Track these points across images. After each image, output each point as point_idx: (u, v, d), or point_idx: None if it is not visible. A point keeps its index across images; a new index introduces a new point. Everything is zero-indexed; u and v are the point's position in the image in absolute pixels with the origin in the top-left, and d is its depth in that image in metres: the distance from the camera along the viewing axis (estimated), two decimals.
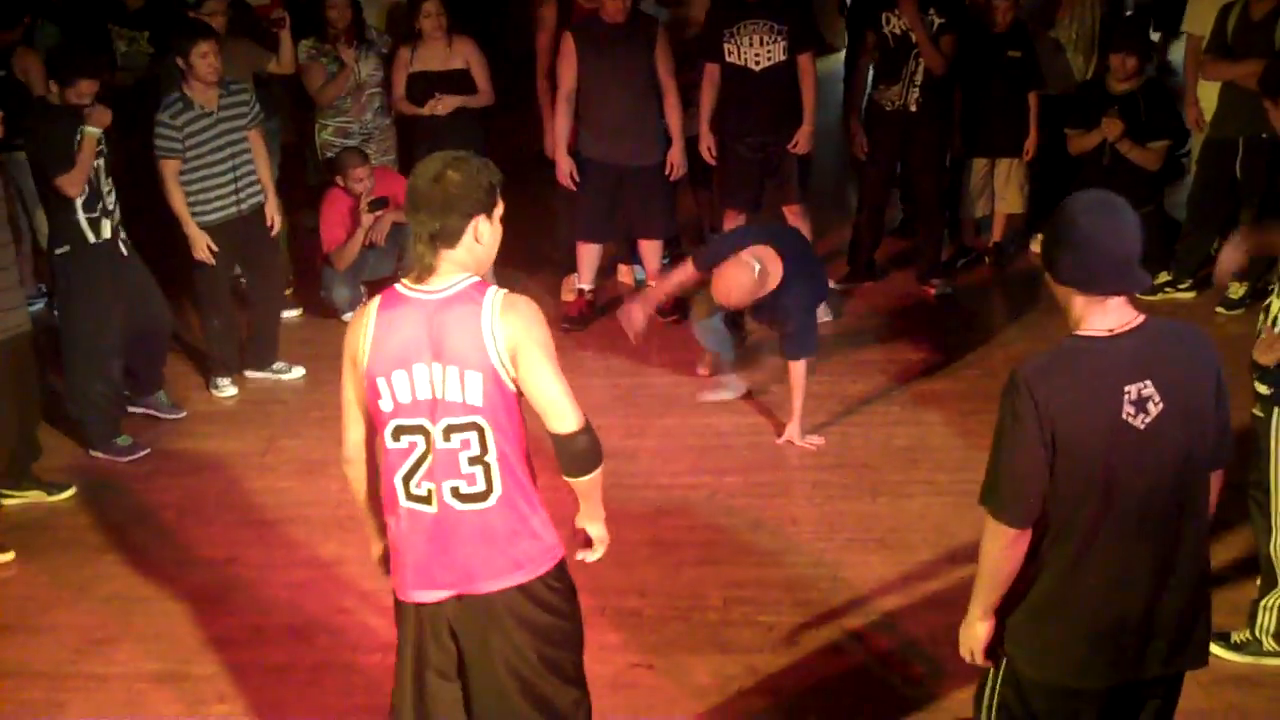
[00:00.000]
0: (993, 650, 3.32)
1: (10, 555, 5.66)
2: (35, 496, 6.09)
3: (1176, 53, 10.52)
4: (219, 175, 6.80)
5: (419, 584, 3.44)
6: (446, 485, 3.35)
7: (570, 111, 7.40)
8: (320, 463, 6.33)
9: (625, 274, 8.26)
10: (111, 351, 6.44)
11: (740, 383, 6.73)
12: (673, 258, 8.40)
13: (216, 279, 7.05)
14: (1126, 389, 3.01)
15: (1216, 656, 4.55)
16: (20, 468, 6.07)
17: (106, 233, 6.31)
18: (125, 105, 7.20)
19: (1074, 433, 3.00)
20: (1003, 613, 3.27)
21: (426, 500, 3.37)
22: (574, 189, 7.49)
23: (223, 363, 7.19)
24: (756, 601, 5.09)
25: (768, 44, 7.24)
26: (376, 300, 3.40)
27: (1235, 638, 4.61)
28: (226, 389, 7.16)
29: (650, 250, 7.66)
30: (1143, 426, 3.01)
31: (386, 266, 7.99)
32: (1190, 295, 7.67)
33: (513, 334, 3.28)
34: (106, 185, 6.32)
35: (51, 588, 5.45)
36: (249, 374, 7.36)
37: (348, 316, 7.96)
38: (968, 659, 3.38)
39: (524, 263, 8.03)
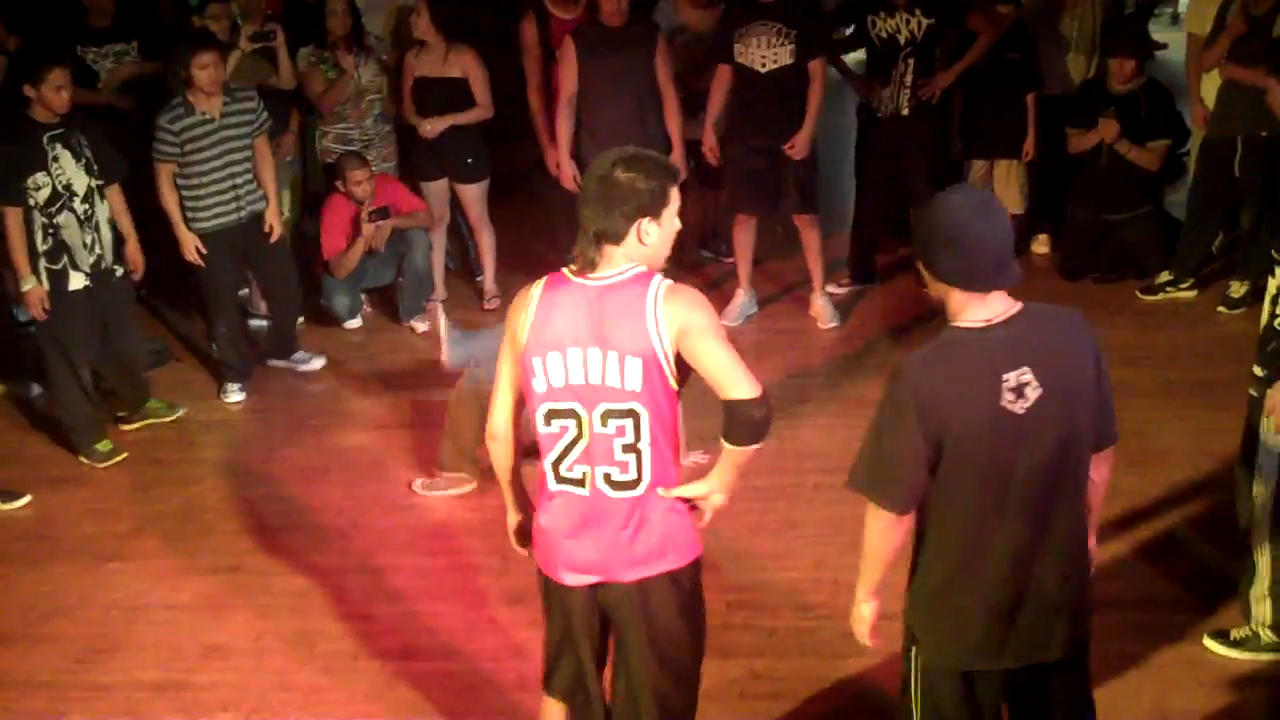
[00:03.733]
0: (905, 637, 3.42)
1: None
2: None
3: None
4: (218, 182, 6.82)
5: (568, 566, 3.48)
6: (600, 471, 3.38)
7: (572, 115, 7.36)
8: (321, 470, 6.35)
9: None
10: (78, 362, 6.41)
11: None
12: (676, 261, 8.41)
13: (220, 286, 7.10)
14: (1005, 376, 3.10)
15: (1217, 655, 4.57)
16: None
17: (74, 284, 6.27)
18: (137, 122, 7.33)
19: (955, 421, 3.09)
20: (907, 597, 3.37)
21: (580, 483, 3.41)
22: (577, 193, 7.48)
23: (232, 369, 7.22)
24: (758, 605, 5.08)
25: (775, 46, 7.18)
26: (541, 282, 3.44)
27: (1234, 634, 4.60)
28: (234, 395, 7.18)
29: None
30: (1022, 412, 3.10)
31: (387, 275, 7.99)
32: (1191, 294, 7.66)
33: (676, 317, 3.30)
34: (86, 236, 6.26)
35: (53, 597, 5.45)
36: (271, 362, 7.49)
37: (349, 324, 7.99)
38: (859, 640, 3.48)
39: (525, 268, 8.01)
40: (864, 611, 3.43)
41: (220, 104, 6.75)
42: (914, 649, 3.39)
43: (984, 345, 3.12)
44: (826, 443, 6.28)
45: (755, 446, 3.43)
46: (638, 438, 3.35)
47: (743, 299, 7.80)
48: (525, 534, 3.69)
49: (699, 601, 3.59)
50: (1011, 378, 3.08)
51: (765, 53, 7.20)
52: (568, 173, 7.35)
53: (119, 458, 6.51)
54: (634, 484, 3.39)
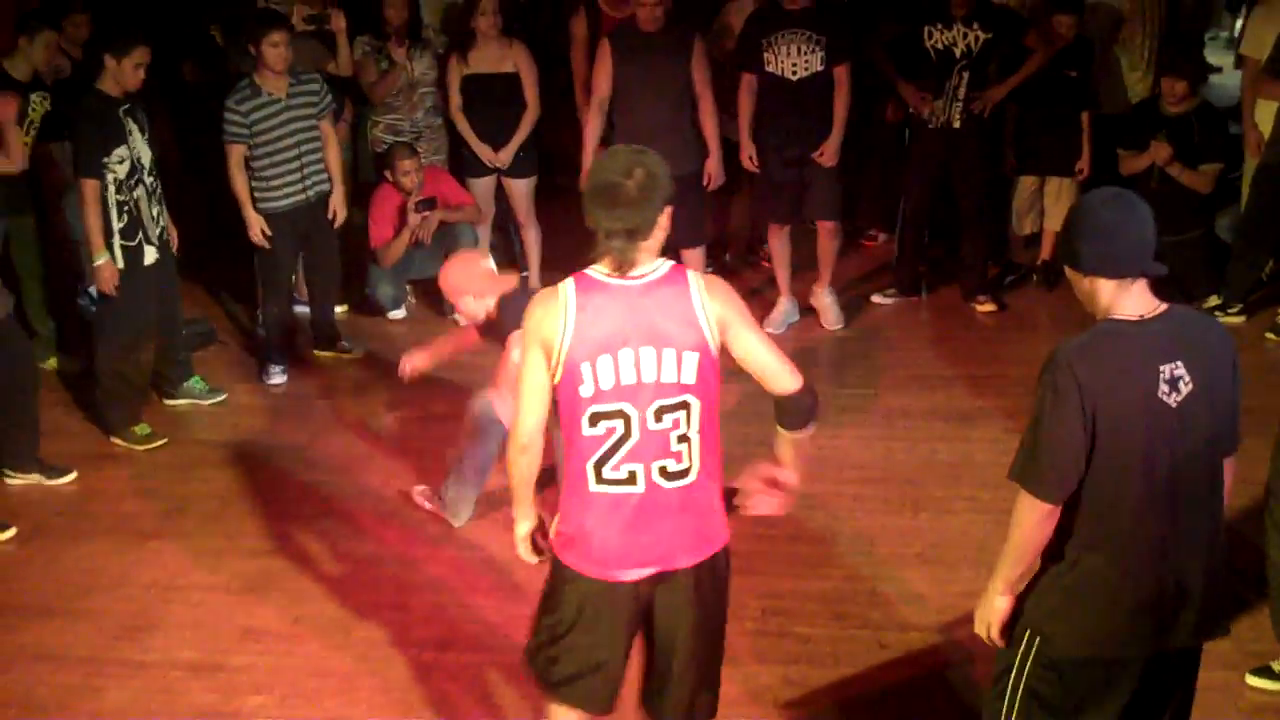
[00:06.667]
0: (1010, 632, 3.39)
1: (12, 531, 5.76)
2: (34, 479, 6.15)
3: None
4: (287, 163, 6.92)
5: (623, 563, 3.46)
6: (655, 465, 3.40)
7: (603, 117, 7.39)
8: (362, 458, 6.37)
9: None
10: (141, 339, 6.49)
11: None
12: (716, 267, 8.40)
13: (278, 266, 7.19)
14: (1161, 368, 3.15)
15: (1259, 690, 4.52)
16: (21, 449, 6.14)
17: (147, 259, 6.33)
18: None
19: (1113, 410, 3.12)
20: (1029, 596, 3.35)
21: (628, 481, 3.41)
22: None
23: (277, 349, 7.28)
24: (793, 613, 5.08)
25: (805, 54, 7.19)
26: (569, 285, 3.41)
27: (1277, 667, 4.54)
28: (276, 377, 7.23)
29: (692, 258, 7.64)
30: (1175, 405, 3.15)
31: (432, 266, 7.95)
32: (1239, 320, 7.60)
33: (719, 309, 3.39)
34: (154, 210, 6.34)
35: (92, 573, 5.49)
36: (317, 353, 7.53)
37: (393, 314, 8.02)
38: (983, 635, 3.45)
39: (571, 266, 7.98)
40: (999, 605, 3.37)
41: (286, 85, 6.84)
42: (1034, 642, 3.33)
43: (1141, 336, 3.18)
44: (866, 454, 6.28)
45: (811, 427, 3.58)
46: (689, 427, 3.40)
47: (785, 306, 7.79)
48: (535, 543, 3.68)
49: (727, 579, 3.64)
50: (1167, 369, 3.15)
51: (796, 60, 7.19)
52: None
53: (159, 442, 6.54)
54: (687, 473, 3.43)
